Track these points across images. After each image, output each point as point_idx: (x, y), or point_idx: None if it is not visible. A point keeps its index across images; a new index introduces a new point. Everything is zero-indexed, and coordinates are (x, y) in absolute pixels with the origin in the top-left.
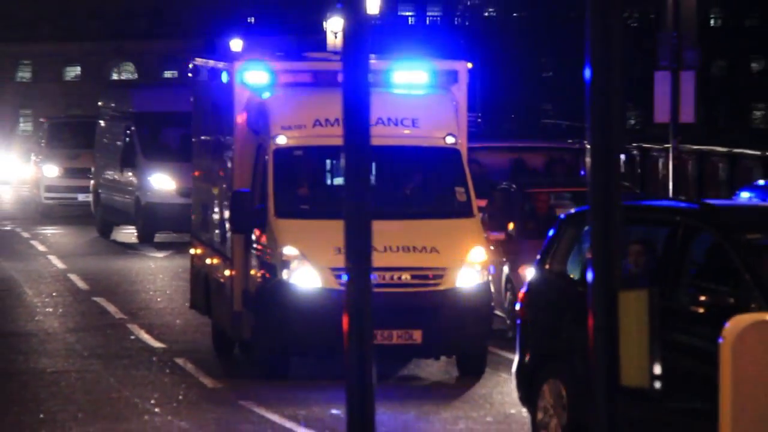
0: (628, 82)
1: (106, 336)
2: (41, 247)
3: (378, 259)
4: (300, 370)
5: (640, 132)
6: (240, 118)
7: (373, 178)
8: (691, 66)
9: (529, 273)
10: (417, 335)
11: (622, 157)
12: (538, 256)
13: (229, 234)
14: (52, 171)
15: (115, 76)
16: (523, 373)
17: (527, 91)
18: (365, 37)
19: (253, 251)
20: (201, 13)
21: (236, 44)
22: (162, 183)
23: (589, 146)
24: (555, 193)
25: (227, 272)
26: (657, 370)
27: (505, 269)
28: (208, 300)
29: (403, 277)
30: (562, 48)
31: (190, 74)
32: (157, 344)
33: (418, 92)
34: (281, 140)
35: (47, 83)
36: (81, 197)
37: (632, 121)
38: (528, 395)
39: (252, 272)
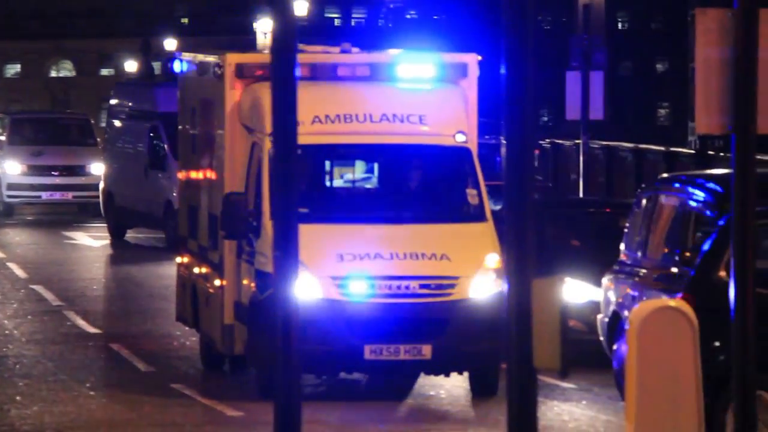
0: (542, 82)
1: (43, 322)
2: None
3: (384, 267)
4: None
5: (553, 128)
6: (231, 114)
7: (376, 179)
8: (599, 67)
9: None
10: (426, 350)
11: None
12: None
13: (220, 241)
14: (14, 168)
15: (53, 74)
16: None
17: None
18: (293, 37)
19: (246, 259)
20: (136, 14)
21: (170, 44)
22: None
23: (504, 141)
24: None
25: (217, 282)
26: (566, 353)
27: None
28: (196, 312)
29: (411, 286)
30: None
31: (175, 69)
32: (92, 330)
33: (424, 87)
34: None
35: None
36: (45, 196)
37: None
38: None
39: (245, 282)
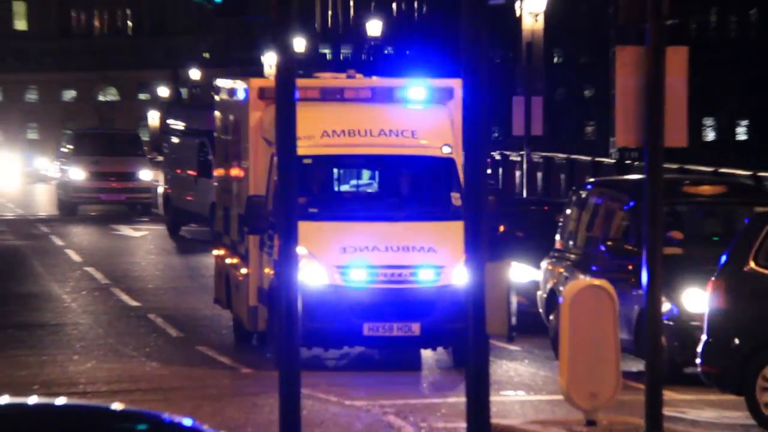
0: (493, 105)
1: (94, 297)
2: (44, 228)
3: (380, 258)
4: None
5: (502, 142)
6: (255, 130)
7: (375, 184)
8: (539, 92)
9: None
10: (416, 328)
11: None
12: (726, 255)
13: (246, 235)
14: (78, 174)
15: (101, 98)
16: (731, 365)
17: None
18: (293, 68)
19: (267, 251)
20: (167, 49)
21: (195, 73)
22: None
23: (464, 153)
24: None
25: (244, 270)
26: (513, 321)
27: None
28: (229, 296)
29: (403, 274)
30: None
31: (213, 93)
32: (134, 303)
33: (417, 107)
34: None
35: (48, 104)
36: (103, 197)
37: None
38: (743, 383)
39: (266, 270)
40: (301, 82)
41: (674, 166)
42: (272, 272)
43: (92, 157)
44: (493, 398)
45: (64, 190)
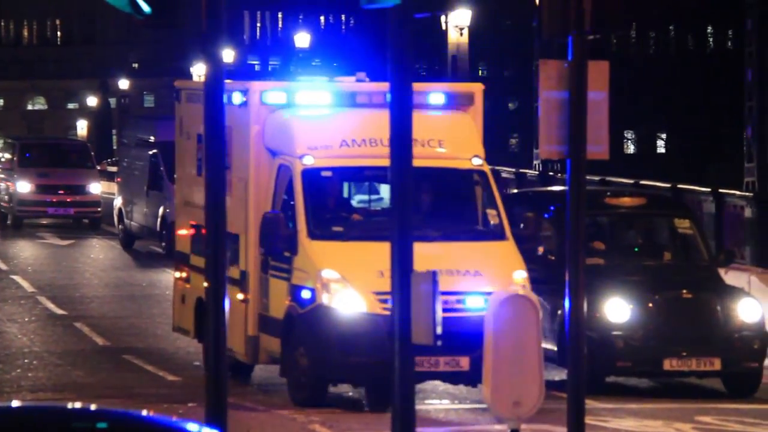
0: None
1: (20, 305)
2: None
3: None
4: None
5: None
6: (256, 138)
7: (390, 201)
8: None
9: None
10: (464, 362)
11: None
12: None
13: (245, 256)
14: (24, 187)
15: (29, 107)
16: None
17: None
18: (221, 78)
19: (278, 275)
20: (96, 59)
21: (123, 83)
22: None
23: (390, 162)
24: None
25: (240, 296)
26: (438, 331)
27: None
28: (200, 324)
29: (449, 301)
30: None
31: (176, 97)
32: (60, 312)
33: (440, 114)
34: (308, 160)
35: None
36: (50, 211)
37: None
38: None
39: (274, 296)
40: (310, 85)
41: (596, 178)
42: (287, 300)
43: (39, 169)
44: (418, 407)
45: (7, 203)
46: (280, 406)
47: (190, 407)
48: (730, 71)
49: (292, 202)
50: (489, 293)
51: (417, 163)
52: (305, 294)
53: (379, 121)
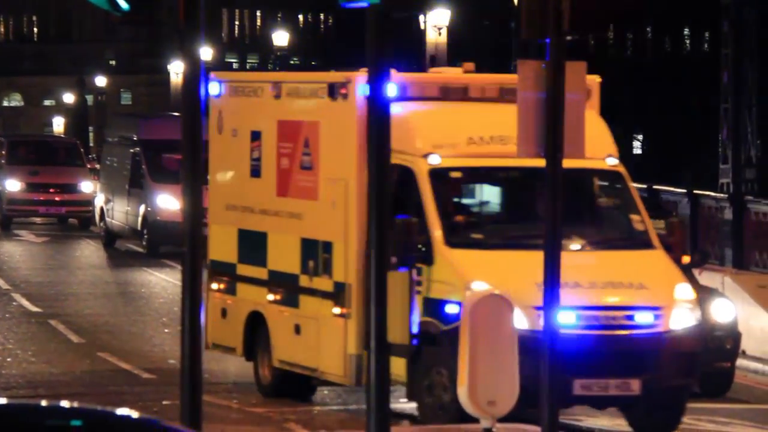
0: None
1: None
2: None
3: (586, 297)
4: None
5: None
6: (360, 135)
7: (529, 205)
8: None
9: None
10: (635, 385)
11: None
12: None
13: (343, 266)
14: (14, 186)
15: (5, 103)
16: None
17: None
18: (199, 77)
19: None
20: (73, 56)
21: (101, 80)
22: (168, 203)
23: (369, 160)
24: None
25: (335, 310)
26: (414, 330)
27: None
28: (253, 344)
29: (617, 317)
30: None
31: (212, 92)
32: (34, 309)
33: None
34: (435, 160)
35: None
36: (42, 210)
37: None
38: None
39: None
40: (417, 77)
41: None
42: (419, 314)
43: (29, 167)
44: (392, 405)
45: None
46: (255, 405)
47: (165, 405)
48: (707, 73)
49: (413, 207)
50: (657, 308)
51: (541, 163)
52: (450, 309)
53: (504, 117)
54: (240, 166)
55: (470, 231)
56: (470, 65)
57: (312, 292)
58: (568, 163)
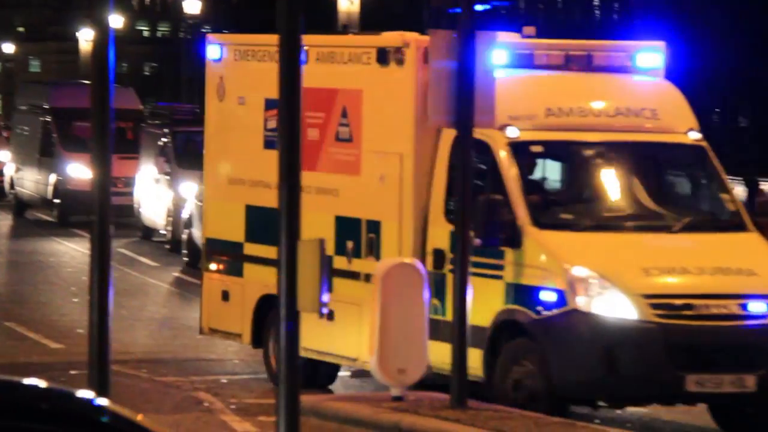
0: None
1: None
2: None
3: (697, 284)
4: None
5: None
6: (418, 105)
7: (618, 182)
8: None
9: None
10: (750, 381)
11: None
12: None
13: (396, 247)
14: None
15: None
16: None
17: None
18: (108, 45)
19: (476, 272)
20: None
21: (8, 47)
22: (79, 171)
23: (281, 130)
24: None
25: None
26: (325, 299)
27: None
28: (261, 327)
29: (729, 306)
30: None
31: (213, 56)
32: None
33: (640, 78)
34: (513, 132)
35: None
36: None
37: None
38: None
39: (479, 297)
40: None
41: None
42: (500, 302)
43: None
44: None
45: None
46: (164, 374)
47: (73, 375)
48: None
49: (489, 184)
50: None
51: (634, 137)
52: (546, 296)
53: (580, 86)
54: (250, 137)
55: (558, 211)
56: (531, 29)
57: (351, 275)
58: (647, 137)
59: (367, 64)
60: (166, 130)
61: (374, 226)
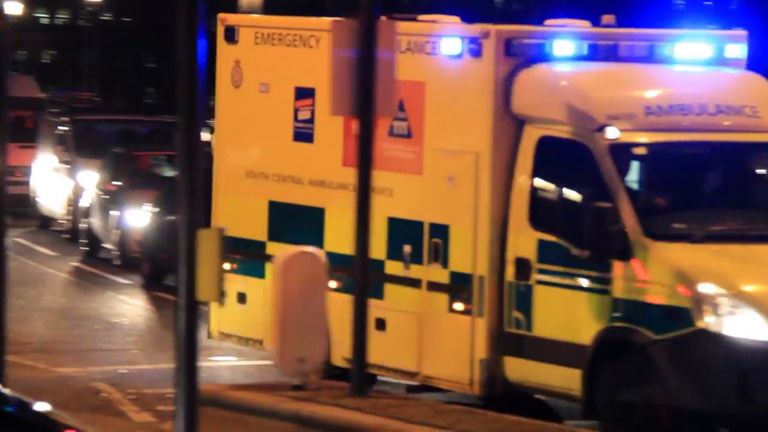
0: (212, 71)
1: None
2: None
3: None
4: None
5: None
6: (497, 101)
7: (730, 188)
8: None
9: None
10: None
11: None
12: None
13: (470, 254)
14: None
15: None
16: None
17: (135, 77)
18: (7, 33)
19: (573, 284)
20: None
21: None
22: None
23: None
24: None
25: (458, 305)
26: (223, 287)
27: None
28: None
29: None
30: (160, 46)
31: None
32: None
33: (729, 72)
34: (613, 133)
35: None
36: None
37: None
38: None
39: (564, 312)
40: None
41: None
42: (604, 319)
43: None
44: (203, 364)
45: None
46: (61, 364)
47: None
48: None
49: (588, 190)
50: None
51: (738, 137)
52: (666, 314)
53: (676, 81)
54: (275, 128)
55: (670, 219)
56: (610, 17)
57: (409, 282)
58: (755, 137)
59: (431, 55)
60: (65, 119)
61: (440, 230)
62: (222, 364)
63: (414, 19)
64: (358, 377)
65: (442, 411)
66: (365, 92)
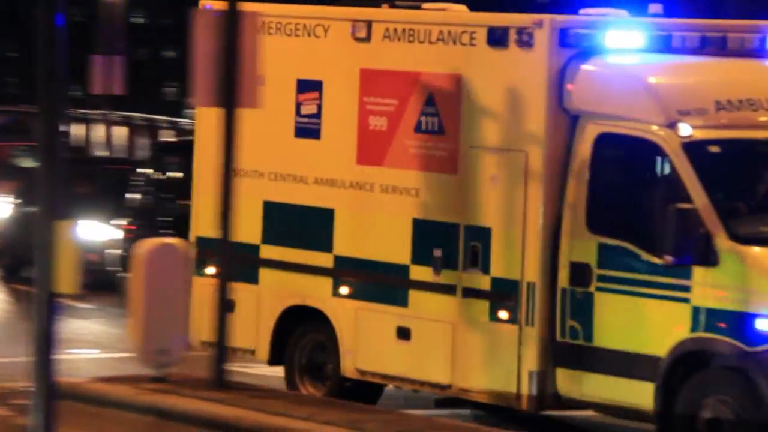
0: (77, 62)
1: None
2: None
3: None
4: None
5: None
6: (550, 95)
7: None
8: (121, 52)
9: None
10: None
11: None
12: None
13: (519, 260)
14: None
15: None
16: None
17: None
18: None
19: (644, 291)
20: None
21: None
22: None
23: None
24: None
25: (503, 314)
26: (79, 280)
27: None
28: (283, 344)
29: None
30: (22, 35)
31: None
32: None
33: None
34: (686, 130)
35: None
36: None
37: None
38: None
39: (630, 322)
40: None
41: None
42: (683, 328)
43: None
44: (63, 357)
45: None
46: None
47: None
48: None
49: (662, 191)
50: None
51: None
52: (761, 325)
53: (740, 75)
54: (272, 124)
55: (755, 222)
56: (657, 7)
57: (440, 288)
58: None
59: (470, 45)
60: None
61: (480, 234)
62: (82, 356)
63: (418, 8)
64: (217, 369)
65: (304, 402)
66: (229, 83)
